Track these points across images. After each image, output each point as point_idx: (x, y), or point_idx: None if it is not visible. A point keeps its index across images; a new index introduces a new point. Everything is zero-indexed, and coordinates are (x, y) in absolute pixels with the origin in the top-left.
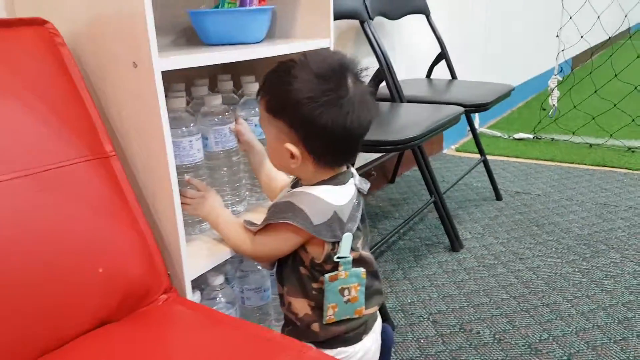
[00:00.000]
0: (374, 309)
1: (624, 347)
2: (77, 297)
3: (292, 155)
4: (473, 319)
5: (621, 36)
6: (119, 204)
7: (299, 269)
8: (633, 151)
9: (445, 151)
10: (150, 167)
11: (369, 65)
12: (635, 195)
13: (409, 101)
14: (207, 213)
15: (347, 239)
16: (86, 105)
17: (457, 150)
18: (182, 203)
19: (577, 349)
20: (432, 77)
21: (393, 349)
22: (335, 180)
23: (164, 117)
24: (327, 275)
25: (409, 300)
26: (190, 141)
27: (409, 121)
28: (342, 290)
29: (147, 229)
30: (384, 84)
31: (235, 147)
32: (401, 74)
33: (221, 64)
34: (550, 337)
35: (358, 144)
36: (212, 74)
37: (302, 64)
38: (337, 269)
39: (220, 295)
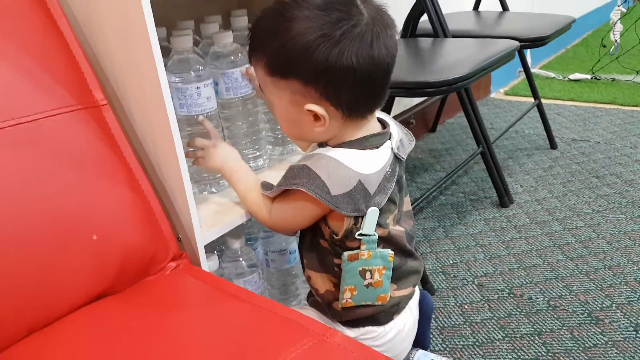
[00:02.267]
0: (408, 290)
1: None
2: (67, 269)
3: (317, 117)
4: (524, 282)
5: None
6: (112, 160)
7: (319, 242)
8: None
9: (493, 95)
10: (148, 115)
11: None
12: None
13: (455, 36)
14: (220, 165)
15: (372, 214)
16: (70, 49)
17: (506, 93)
18: (192, 155)
19: None
20: (479, 9)
21: (433, 316)
22: (365, 142)
23: (155, 52)
24: (345, 254)
25: (451, 262)
26: (198, 88)
27: (455, 59)
28: (362, 273)
29: (147, 187)
30: (424, 17)
31: (250, 94)
32: (444, 8)
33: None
34: (614, 305)
35: (388, 78)
36: (226, 9)
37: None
38: (359, 247)
39: (241, 259)
